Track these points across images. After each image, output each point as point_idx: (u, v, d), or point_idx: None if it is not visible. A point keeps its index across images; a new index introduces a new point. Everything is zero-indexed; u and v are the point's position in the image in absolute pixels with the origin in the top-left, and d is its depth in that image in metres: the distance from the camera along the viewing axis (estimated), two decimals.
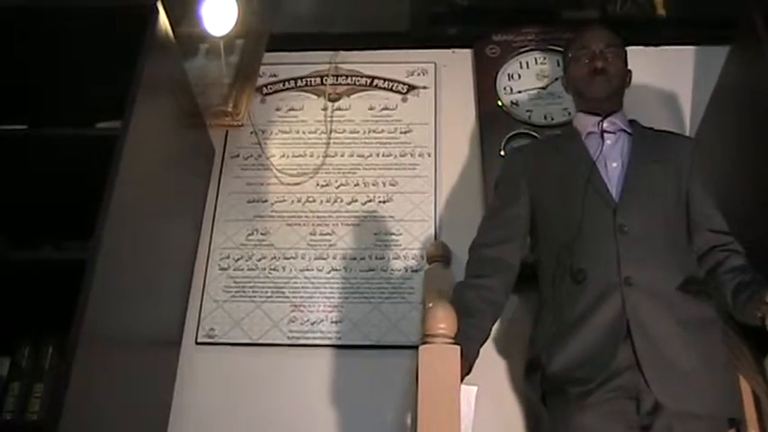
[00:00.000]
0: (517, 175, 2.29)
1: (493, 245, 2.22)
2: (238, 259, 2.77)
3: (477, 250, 2.25)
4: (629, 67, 2.33)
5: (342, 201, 2.85)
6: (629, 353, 1.92)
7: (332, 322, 2.63)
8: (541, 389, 2.06)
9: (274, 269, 2.74)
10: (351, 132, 2.99)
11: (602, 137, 2.19)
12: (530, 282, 2.24)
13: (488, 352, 2.36)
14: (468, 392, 1.92)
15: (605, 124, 2.20)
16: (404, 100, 3.04)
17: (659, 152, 2.17)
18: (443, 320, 1.87)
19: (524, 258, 2.25)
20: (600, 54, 2.23)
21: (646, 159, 2.14)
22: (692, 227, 2.11)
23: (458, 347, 1.86)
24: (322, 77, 3.11)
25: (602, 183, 2.11)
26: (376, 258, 2.73)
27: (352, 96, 3.07)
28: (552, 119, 2.85)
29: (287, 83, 3.12)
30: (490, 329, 2.15)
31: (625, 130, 2.22)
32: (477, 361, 2.05)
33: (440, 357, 1.84)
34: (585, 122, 2.25)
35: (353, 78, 3.10)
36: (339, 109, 3.04)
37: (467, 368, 1.95)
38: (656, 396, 1.87)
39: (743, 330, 2.04)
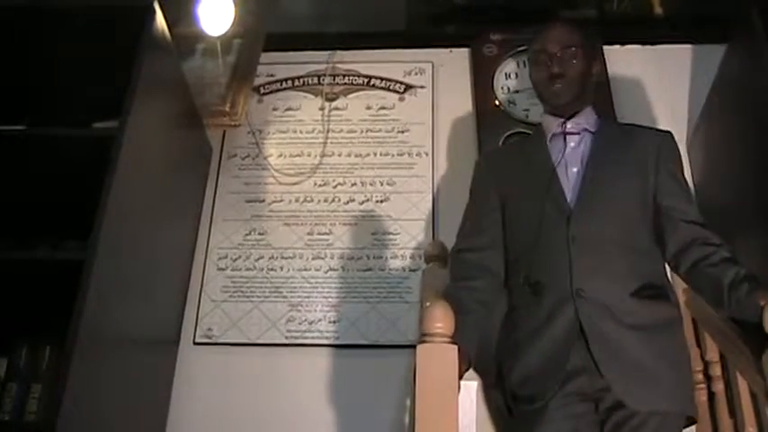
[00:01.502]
0: (486, 184, 2.26)
1: (476, 250, 2.19)
2: (236, 259, 2.77)
3: (460, 254, 2.22)
4: (606, 61, 2.28)
5: (339, 200, 2.85)
6: (584, 356, 1.91)
7: (330, 322, 2.63)
8: (504, 398, 2.08)
9: (272, 269, 2.74)
10: (348, 132, 2.99)
11: (565, 139, 2.15)
12: None
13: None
14: (469, 388, 1.93)
15: (569, 125, 2.15)
16: (401, 99, 3.04)
17: (621, 151, 2.11)
18: (441, 320, 1.87)
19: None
20: (557, 57, 2.15)
21: (605, 160, 2.09)
22: (664, 222, 2.05)
23: (455, 347, 1.86)
24: (319, 77, 3.11)
25: (561, 190, 2.07)
26: (374, 258, 2.73)
27: (349, 96, 3.07)
28: None
29: (284, 82, 3.12)
30: (483, 328, 2.15)
31: (589, 131, 2.16)
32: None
33: (438, 356, 1.83)
34: (550, 124, 2.20)
35: (351, 78, 3.10)
36: (336, 108, 3.04)
37: (465, 365, 1.95)
38: (620, 397, 1.87)
39: (741, 328, 2.04)
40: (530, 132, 2.75)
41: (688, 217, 2.04)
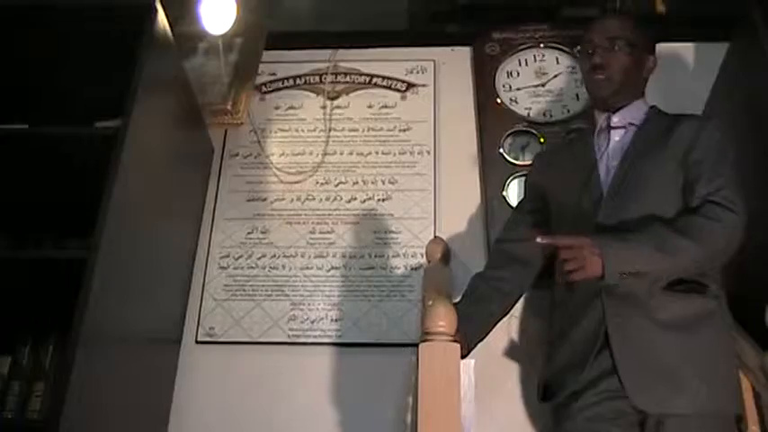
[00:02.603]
0: (536, 179, 2.32)
1: (511, 240, 2.27)
2: (238, 258, 2.77)
3: (496, 244, 2.34)
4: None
5: (341, 199, 2.85)
6: (609, 360, 1.92)
7: (332, 320, 2.63)
8: (544, 395, 2.11)
9: (274, 267, 2.74)
10: (350, 130, 2.99)
11: (609, 133, 2.16)
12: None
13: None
14: (467, 366, 1.93)
15: (613, 119, 2.16)
16: (403, 98, 3.03)
17: (661, 143, 2.07)
18: (443, 318, 1.87)
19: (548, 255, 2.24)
20: (601, 49, 2.14)
21: (642, 155, 2.07)
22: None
23: (458, 345, 1.87)
24: (321, 76, 3.11)
25: (598, 184, 2.08)
26: (375, 256, 2.73)
27: (351, 94, 3.07)
28: (551, 116, 2.85)
29: (286, 81, 3.11)
30: (497, 318, 2.19)
31: (634, 124, 2.15)
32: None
33: (440, 355, 1.84)
34: (597, 119, 2.21)
35: (352, 76, 3.10)
36: (338, 107, 3.04)
37: (465, 350, 1.96)
38: (635, 402, 1.87)
39: (743, 326, 2.04)
40: (532, 131, 2.80)
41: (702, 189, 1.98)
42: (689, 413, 1.85)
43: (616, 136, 2.15)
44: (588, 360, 1.94)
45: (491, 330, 2.15)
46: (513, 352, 2.50)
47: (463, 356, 1.92)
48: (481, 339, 2.09)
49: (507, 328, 2.45)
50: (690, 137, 2.04)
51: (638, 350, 1.90)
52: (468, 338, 1.99)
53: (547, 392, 2.07)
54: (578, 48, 2.27)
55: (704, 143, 2.02)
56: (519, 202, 2.43)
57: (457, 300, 2.15)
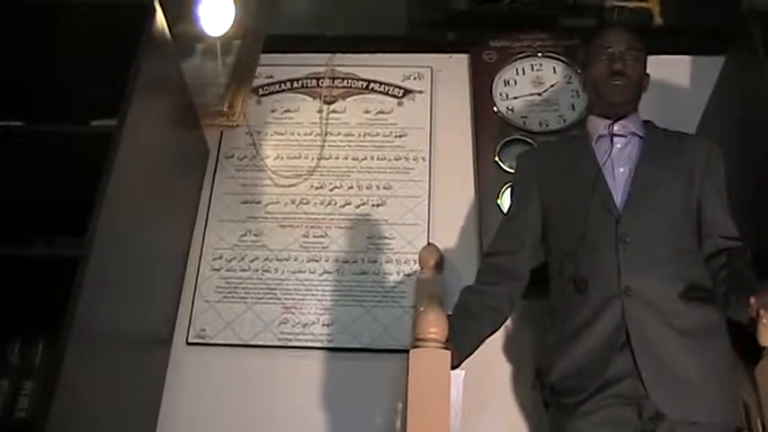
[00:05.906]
0: (528, 181, 2.28)
1: (501, 254, 2.23)
2: (231, 260, 2.77)
3: (486, 258, 2.29)
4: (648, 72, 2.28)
5: (335, 203, 2.85)
6: (629, 360, 1.91)
7: (323, 325, 2.63)
8: (543, 397, 2.10)
9: (267, 270, 2.74)
10: (346, 135, 2.99)
11: (612, 141, 2.17)
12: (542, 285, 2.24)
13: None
14: (456, 377, 1.93)
15: (616, 127, 2.17)
16: (399, 104, 3.04)
17: (670, 157, 2.13)
18: (435, 324, 1.87)
19: (538, 263, 2.24)
20: (620, 56, 2.18)
21: (655, 165, 2.11)
22: (703, 234, 2.07)
23: (448, 352, 1.87)
24: (318, 80, 3.11)
25: (607, 190, 2.09)
26: (368, 262, 2.73)
27: (347, 99, 3.07)
28: (548, 125, 2.85)
29: (283, 84, 3.11)
30: (487, 334, 2.15)
31: (636, 134, 2.19)
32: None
33: (430, 361, 1.84)
34: (597, 125, 2.22)
35: (349, 81, 3.10)
36: (334, 111, 3.04)
37: (456, 361, 1.96)
38: (657, 405, 1.87)
39: (734, 339, 2.05)
40: (528, 140, 2.79)
41: (723, 232, 2.07)
42: (702, 422, 1.87)
43: (618, 144, 2.17)
44: (610, 359, 1.93)
45: (481, 345, 2.14)
46: (502, 363, 2.50)
47: (452, 368, 1.92)
48: (470, 354, 2.08)
49: (497, 340, 2.44)
50: (703, 158, 2.14)
51: (657, 353, 1.91)
52: (458, 352, 1.98)
53: (555, 394, 2.04)
54: (590, 53, 2.27)
55: (718, 175, 2.14)
56: (508, 211, 2.37)
57: (448, 312, 2.13)
